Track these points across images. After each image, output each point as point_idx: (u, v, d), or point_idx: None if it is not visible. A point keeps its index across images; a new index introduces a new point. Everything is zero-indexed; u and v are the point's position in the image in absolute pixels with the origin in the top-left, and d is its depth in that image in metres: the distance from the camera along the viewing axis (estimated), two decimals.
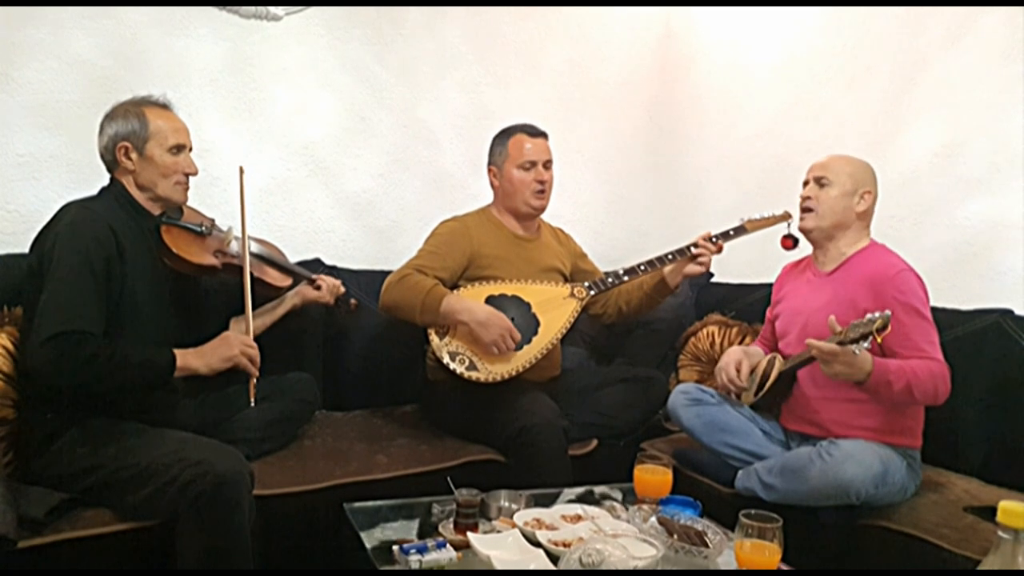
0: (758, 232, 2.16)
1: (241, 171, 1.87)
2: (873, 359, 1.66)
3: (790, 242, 2.05)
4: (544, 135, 2.26)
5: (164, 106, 1.79)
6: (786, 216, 2.11)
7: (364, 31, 2.63)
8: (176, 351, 1.64)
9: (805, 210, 1.94)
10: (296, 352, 2.26)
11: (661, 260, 2.16)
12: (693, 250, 2.12)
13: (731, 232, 2.14)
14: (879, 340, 1.57)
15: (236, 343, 1.72)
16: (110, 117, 1.75)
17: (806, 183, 1.96)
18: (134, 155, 1.72)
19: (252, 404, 1.75)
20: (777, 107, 2.80)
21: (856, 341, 1.58)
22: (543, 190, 2.23)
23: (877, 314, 1.57)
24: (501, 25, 2.88)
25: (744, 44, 2.93)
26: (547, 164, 2.24)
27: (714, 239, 2.14)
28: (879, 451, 1.71)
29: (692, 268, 2.13)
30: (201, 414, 1.85)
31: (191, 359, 1.66)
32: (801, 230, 1.97)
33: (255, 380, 1.75)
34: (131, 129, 1.72)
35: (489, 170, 2.29)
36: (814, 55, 2.67)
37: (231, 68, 2.43)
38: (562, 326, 2.11)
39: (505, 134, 2.26)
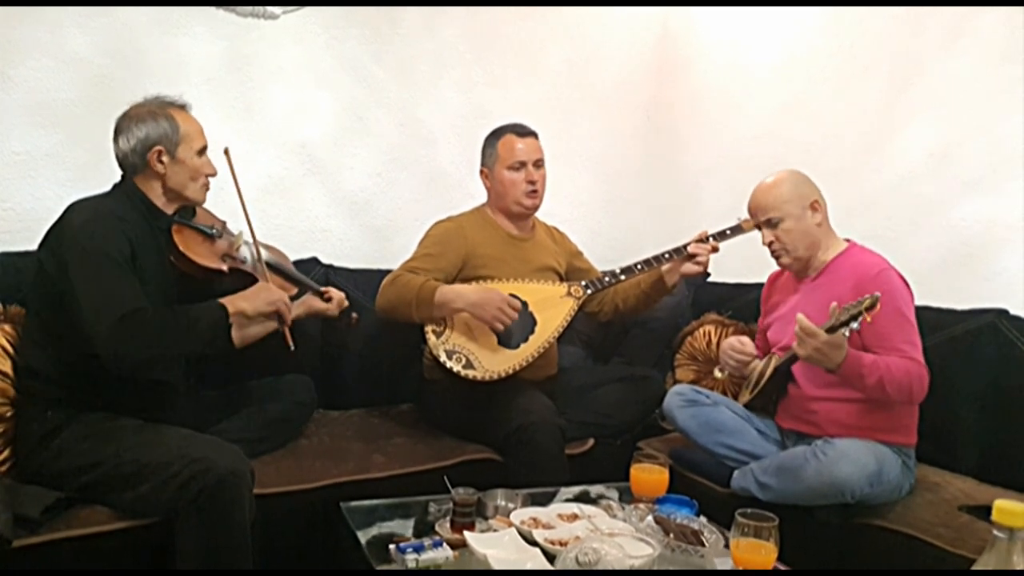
0: (756, 231, 2.16)
1: (226, 152, 1.86)
2: (848, 350, 1.67)
3: None
4: (534, 134, 2.25)
5: (183, 107, 1.78)
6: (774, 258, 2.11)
7: (361, 30, 2.63)
8: (222, 300, 1.67)
9: (775, 253, 1.95)
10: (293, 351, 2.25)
11: (658, 259, 2.16)
12: (690, 249, 2.12)
13: (728, 231, 2.14)
14: (868, 319, 1.57)
15: (276, 290, 1.77)
16: (136, 120, 1.70)
17: (758, 226, 1.96)
18: (166, 158, 1.71)
19: (292, 348, 1.78)
20: (775, 107, 2.80)
21: (847, 323, 1.59)
22: (535, 189, 2.22)
23: (866, 296, 1.58)
24: (499, 25, 2.88)
25: (742, 45, 2.94)
26: (538, 163, 2.23)
27: (711, 238, 2.14)
28: (874, 450, 1.71)
29: (689, 268, 2.12)
30: (198, 414, 1.84)
31: (240, 302, 1.69)
32: (783, 268, 1.99)
33: (289, 327, 1.79)
34: (163, 132, 1.70)
35: (481, 172, 2.29)
36: (812, 56, 2.67)
37: (228, 67, 2.43)
38: (559, 325, 2.11)
39: (495, 135, 2.26)
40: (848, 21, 2.55)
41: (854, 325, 1.59)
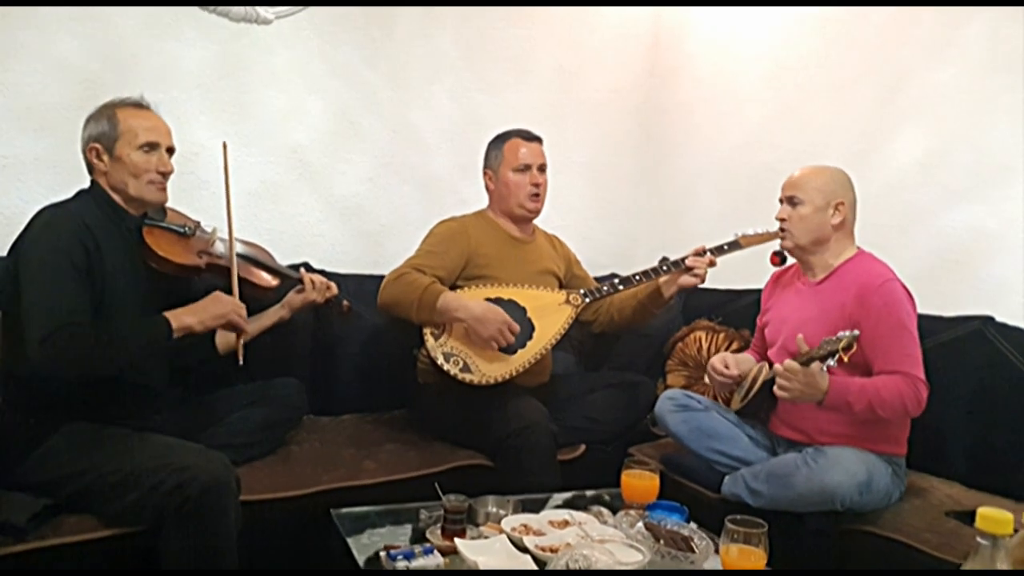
0: (752, 248, 2.17)
1: (224, 146, 1.88)
2: (830, 380, 1.68)
3: (778, 259, 2.04)
4: (539, 140, 2.30)
5: (138, 105, 1.76)
6: (780, 233, 2.11)
7: (354, 35, 2.63)
8: (167, 313, 1.64)
9: (782, 231, 1.96)
10: (284, 356, 2.25)
11: (656, 271, 2.17)
12: (687, 262, 2.13)
13: (725, 247, 2.15)
14: (846, 359, 1.58)
15: (227, 301, 1.73)
16: (88, 119, 1.74)
17: (781, 201, 1.97)
18: (105, 156, 1.71)
19: (240, 363, 1.77)
20: (765, 115, 2.82)
21: (824, 359, 1.60)
22: (537, 193, 2.26)
23: (845, 333, 1.58)
24: (491, 31, 2.89)
25: (733, 53, 2.95)
26: (541, 167, 2.28)
27: (709, 252, 2.15)
28: (864, 458, 1.72)
29: (686, 280, 2.13)
30: (186, 420, 1.84)
31: (185, 317, 1.66)
32: (783, 249, 1.99)
33: (242, 339, 1.78)
34: (101, 130, 1.71)
35: (484, 174, 2.31)
36: (802, 64, 2.70)
37: (220, 71, 2.43)
38: (556, 333, 2.12)
39: (501, 139, 2.29)
40: (837, 30, 2.57)
41: (831, 362, 1.59)
